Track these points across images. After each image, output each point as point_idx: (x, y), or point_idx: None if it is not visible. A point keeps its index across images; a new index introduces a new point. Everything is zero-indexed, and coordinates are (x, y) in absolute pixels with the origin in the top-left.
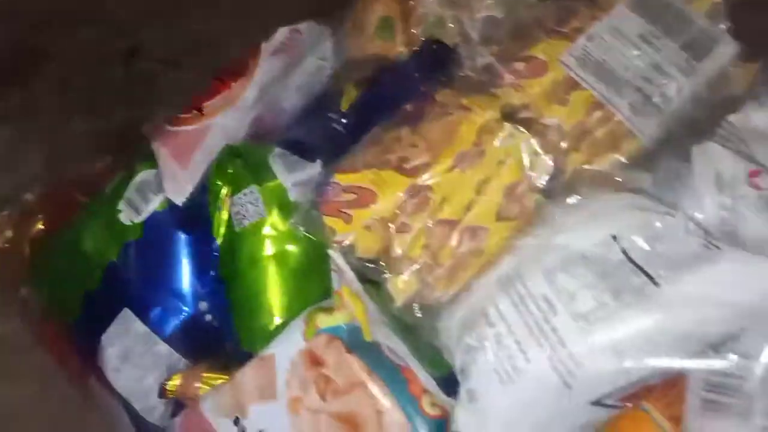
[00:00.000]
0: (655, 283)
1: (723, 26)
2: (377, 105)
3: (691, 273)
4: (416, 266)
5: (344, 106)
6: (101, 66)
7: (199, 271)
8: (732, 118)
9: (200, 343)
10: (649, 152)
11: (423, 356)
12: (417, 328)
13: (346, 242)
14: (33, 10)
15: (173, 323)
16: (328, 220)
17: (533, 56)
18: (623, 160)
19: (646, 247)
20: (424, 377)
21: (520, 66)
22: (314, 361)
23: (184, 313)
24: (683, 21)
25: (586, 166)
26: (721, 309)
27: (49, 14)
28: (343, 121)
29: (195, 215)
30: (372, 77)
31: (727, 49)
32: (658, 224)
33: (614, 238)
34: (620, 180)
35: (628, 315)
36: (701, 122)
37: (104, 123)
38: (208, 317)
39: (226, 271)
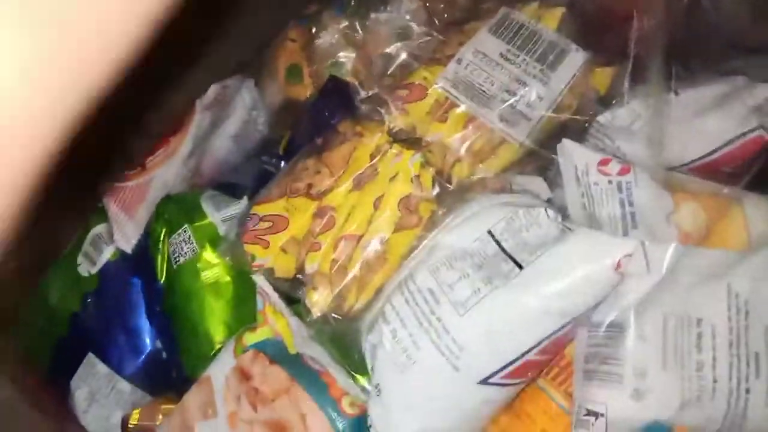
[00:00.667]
0: (520, 267)
1: (569, 38)
2: (297, 143)
3: (547, 253)
4: (328, 279)
5: (281, 149)
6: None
7: (151, 311)
8: (600, 118)
9: (160, 377)
10: (526, 155)
11: (354, 363)
12: (346, 337)
13: (266, 265)
14: None
15: (133, 363)
16: (249, 248)
17: (413, 83)
18: (501, 165)
19: (514, 237)
20: (343, 380)
21: (403, 93)
22: (244, 375)
23: (142, 353)
24: (535, 37)
25: (469, 175)
26: (571, 282)
27: None
28: (274, 162)
29: (143, 260)
30: (294, 120)
31: (576, 57)
32: (523, 216)
33: (489, 233)
34: (498, 182)
35: (496, 298)
36: (571, 124)
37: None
38: (165, 353)
39: (168, 307)
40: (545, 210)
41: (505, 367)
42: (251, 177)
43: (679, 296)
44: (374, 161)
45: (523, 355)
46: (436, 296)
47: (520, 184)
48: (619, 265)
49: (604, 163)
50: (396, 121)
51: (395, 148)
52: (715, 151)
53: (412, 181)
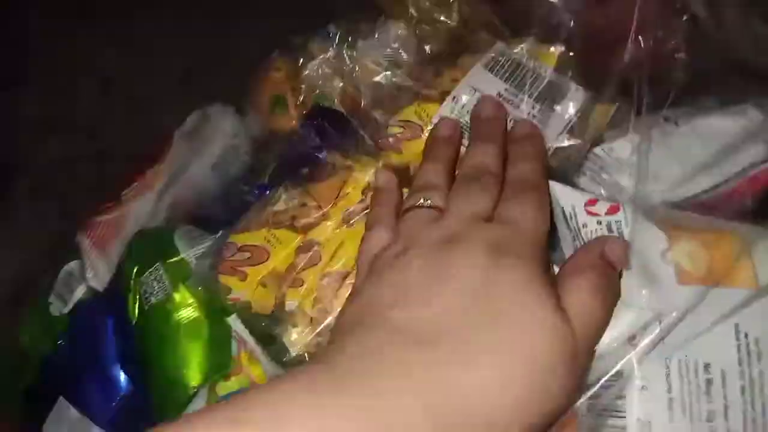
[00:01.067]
0: None
1: (569, 76)
2: (282, 172)
3: None
4: (308, 318)
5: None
6: (72, 171)
7: (124, 353)
8: (597, 149)
9: (135, 424)
10: None
11: None
12: None
13: (242, 299)
14: None
15: (106, 409)
16: (224, 279)
17: (408, 120)
18: None
19: None
20: None
21: (397, 130)
22: None
23: (115, 398)
24: (534, 76)
25: None
26: None
27: (15, 127)
28: (257, 192)
29: (115, 299)
30: (279, 149)
31: (576, 96)
32: None
33: None
34: None
35: None
36: (568, 163)
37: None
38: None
39: (140, 349)
40: None
41: None
42: (231, 209)
43: (683, 339)
44: (366, 197)
45: None
46: None
47: None
48: (633, 337)
49: (591, 203)
50: (389, 158)
51: None
52: (720, 184)
53: None
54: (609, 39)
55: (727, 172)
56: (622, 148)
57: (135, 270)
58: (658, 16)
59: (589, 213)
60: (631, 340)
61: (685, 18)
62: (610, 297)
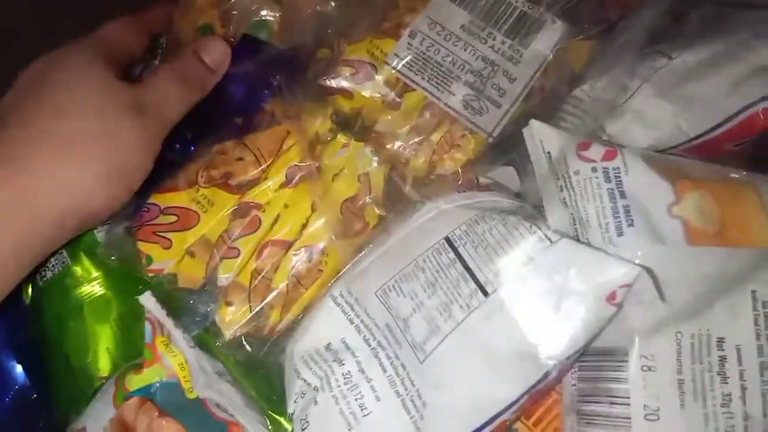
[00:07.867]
0: (485, 292)
1: (543, 7)
2: (208, 122)
3: (518, 274)
4: (246, 294)
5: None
6: None
7: (15, 339)
8: (577, 92)
9: (31, 421)
10: (497, 146)
11: (275, 397)
12: (265, 364)
13: (166, 271)
14: None
15: None
16: (144, 246)
17: (360, 60)
18: (464, 159)
19: (476, 246)
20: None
21: (347, 71)
22: (126, 430)
23: (8, 391)
24: (503, 6)
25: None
26: (552, 318)
27: None
28: (179, 148)
29: None
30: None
31: (553, 30)
32: (491, 223)
33: (447, 240)
34: (462, 179)
35: (460, 338)
36: (540, 107)
37: None
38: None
39: (36, 334)
40: (519, 216)
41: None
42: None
43: (693, 311)
44: (314, 152)
45: (496, 416)
46: (395, 334)
47: (488, 176)
48: (613, 296)
49: (583, 146)
50: (339, 106)
51: (341, 139)
52: (714, 128)
53: (359, 179)
54: None
55: (719, 115)
56: (605, 87)
57: None
58: None
59: (582, 158)
60: (637, 318)
61: None
62: (191, 85)
